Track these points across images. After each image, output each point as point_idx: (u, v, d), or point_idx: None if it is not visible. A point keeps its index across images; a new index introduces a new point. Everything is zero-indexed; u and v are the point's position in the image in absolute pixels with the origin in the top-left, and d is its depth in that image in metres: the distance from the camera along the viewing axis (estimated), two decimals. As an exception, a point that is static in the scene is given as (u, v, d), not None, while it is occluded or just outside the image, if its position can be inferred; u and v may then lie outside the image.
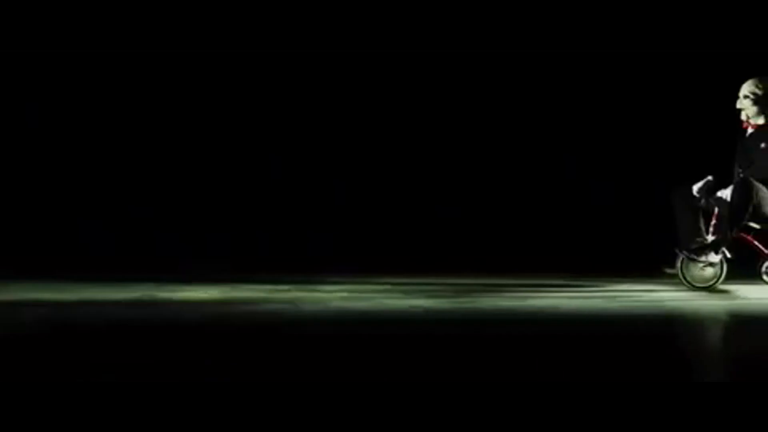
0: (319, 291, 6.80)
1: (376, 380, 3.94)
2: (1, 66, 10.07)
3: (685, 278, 6.75)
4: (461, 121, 10.09)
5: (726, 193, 6.74)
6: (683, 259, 6.72)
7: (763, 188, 6.68)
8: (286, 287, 6.94)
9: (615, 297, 6.63)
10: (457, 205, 9.82)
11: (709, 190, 6.71)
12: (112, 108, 10.20)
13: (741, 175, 6.79)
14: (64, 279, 7.42)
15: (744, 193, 6.60)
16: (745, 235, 6.77)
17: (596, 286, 7.01)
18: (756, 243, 6.78)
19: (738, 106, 6.88)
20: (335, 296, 6.53)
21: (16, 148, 10.15)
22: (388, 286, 7.03)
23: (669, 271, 6.78)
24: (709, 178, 6.75)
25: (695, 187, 6.76)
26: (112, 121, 10.21)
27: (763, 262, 6.86)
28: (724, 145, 7.15)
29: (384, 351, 4.68)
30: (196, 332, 5.21)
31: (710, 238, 6.70)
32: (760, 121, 6.86)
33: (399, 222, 9.81)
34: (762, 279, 6.92)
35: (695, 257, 6.67)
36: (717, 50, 9.60)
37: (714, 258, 6.67)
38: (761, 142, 6.80)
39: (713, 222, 6.73)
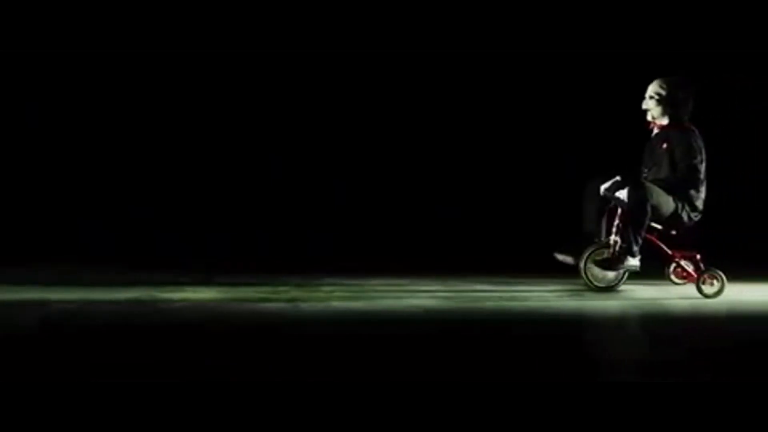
0: (319, 291, 6.80)
1: (376, 380, 3.94)
2: (1, 66, 10.08)
3: (587, 278, 6.75)
4: (461, 121, 10.10)
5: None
6: (585, 259, 6.71)
7: (659, 189, 6.68)
8: (286, 287, 6.94)
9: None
10: (457, 205, 9.83)
11: (617, 190, 6.70)
12: (112, 108, 10.20)
13: (644, 176, 6.81)
14: (64, 279, 7.42)
15: (638, 196, 6.59)
16: (649, 236, 6.76)
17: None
18: (659, 243, 6.77)
19: (644, 106, 6.90)
20: (335, 296, 6.53)
21: (16, 148, 10.16)
22: (388, 286, 7.03)
23: (561, 258, 6.77)
24: (618, 178, 6.74)
25: (603, 187, 6.75)
26: (112, 121, 10.22)
27: (670, 264, 6.86)
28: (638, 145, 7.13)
29: (384, 351, 4.68)
30: (196, 332, 5.21)
31: (612, 237, 6.68)
32: (665, 121, 6.88)
33: (399, 222, 9.81)
34: (670, 280, 6.92)
35: (614, 268, 6.65)
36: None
37: (634, 262, 6.64)
38: (663, 143, 6.82)
39: (616, 222, 6.72)
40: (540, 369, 4.26)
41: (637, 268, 6.67)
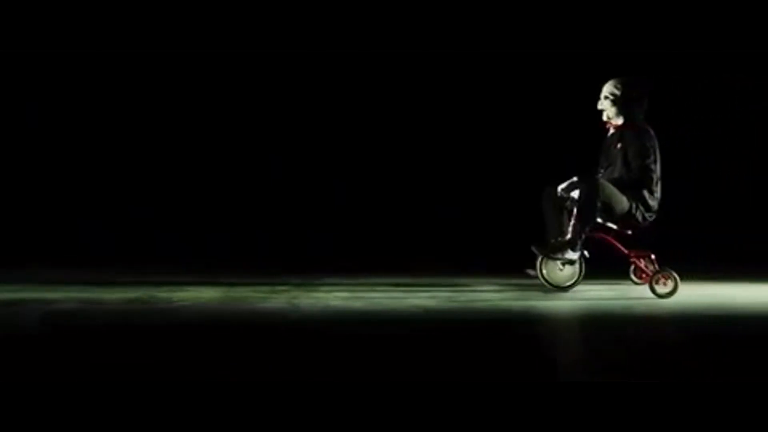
0: (319, 291, 6.80)
1: (376, 380, 3.94)
2: (1, 66, 10.08)
3: (544, 278, 6.76)
4: (461, 121, 10.10)
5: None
6: (542, 258, 6.73)
7: (613, 188, 6.67)
8: (286, 287, 6.94)
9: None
10: (457, 205, 9.83)
11: (573, 191, 6.70)
12: (111, 108, 10.21)
13: (600, 176, 6.81)
14: (64, 279, 7.42)
15: (590, 193, 6.59)
16: (604, 236, 6.76)
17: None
18: (616, 243, 6.77)
19: (599, 106, 6.89)
20: (335, 296, 6.53)
21: (16, 148, 10.16)
22: (388, 286, 7.03)
23: (530, 272, 6.79)
24: (575, 179, 6.74)
25: (560, 187, 6.76)
26: (112, 122, 10.23)
27: (631, 265, 6.84)
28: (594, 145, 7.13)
29: (384, 351, 4.68)
30: (196, 332, 5.21)
31: (569, 237, 6.70)
32: (619, 121, 6.87)
33: (399, 222, 9.81)
34: (631, 280, 6.90)
35: (552, 256, 6.68)
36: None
37: (572, 255, 6.66)
38: (617, 143, 6.82)
39: (572, 221, 6.73)
40: (539, 369, 4.26)
41: (575, 262, 6.69)
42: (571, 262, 6.72)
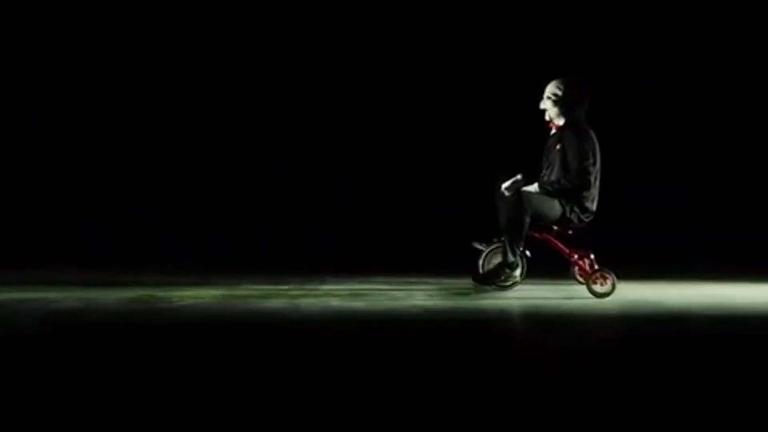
0: (319, 291, 6.80)
1: (376, 379, 3.94)
2: (1, 66, 10.08)
3: (474, 276, 6.78)
4: (461, 122, 10.09)
5: (532, 188, 6.73)
6: (485, 256, 6.73)
7: (540, 196, 6.64)
8: (286, 287, 6.94)
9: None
10: (457, 205, 9.83)
11: (516, 189, 6.69)
12: (111, 108, 10.20)
13: (542, 177, 6.78)
14: (64, 279, 7.42)
15: (515, 208, 6.58)
16: (546, 236, 6.76)
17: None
18: (557, 243, 6.76)
19: (541, 106, 6.88)
20: (335, 296, 6.53)
21: (16, 148, 10.16)
22: (388, 286, 7.03)
23: (477, 246, 6.79)
24: (518, 176, 6.73)
25: (504, 185, 6.76)
26: (112, 122, 10.22)
27: (572, 265, 6.83)
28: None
29: (384, 351, 4.68)
30: (196, 332, 5.21)
31: (502, 259, 6.68)
32: (561, 121, 6.85)
33: (399, 222, 9.81)
34: (575, 279, 6.89)
35: (497, 283, 6.67)
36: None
37: (510, 275, 6.65)
38: (557, 143, 6.82)
39: (502, 239, 6.71)
40: (540, 368, 4.26)
41: (517, 278, 6.68)
42: (515, 280, 6.68)
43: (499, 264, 6.69)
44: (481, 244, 6.83)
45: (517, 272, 6.69)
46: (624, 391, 3.78)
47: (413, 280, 7.33)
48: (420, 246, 9.44)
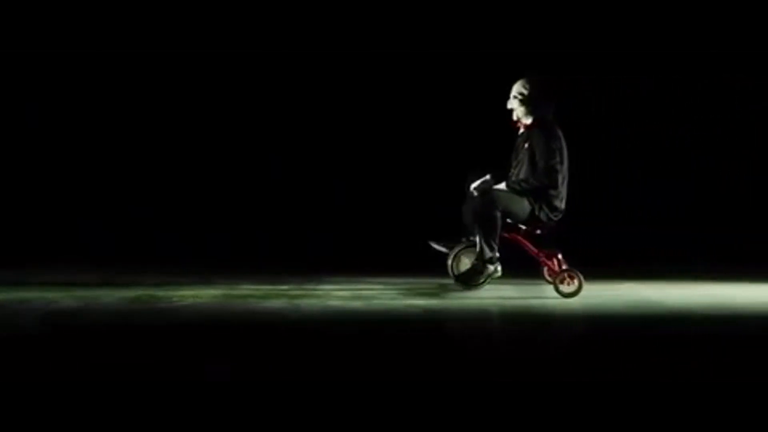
0: (319, 291, 6.80)
1: (376, 380, 3.94)
2: (1, 66, 10.08)
3: (455, 276, 6.77)
4: (461, 122, 10.09)
5: (501, 187, 6.72)
6: (454, 257, 6.73)
7: (510, 194, 6.64)
8: (286, 287, 6.94)
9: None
10: (458, 206, 9.83)
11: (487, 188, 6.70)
12: (111, 108, 10.20)
13: (510, 176, 6.79)
14: (64, 279, 7.42)
15: (486, 207, 6.59)
16: (515, 236, 6.76)
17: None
18: (525, 242, 6.76)
19: (509, 106, 6.89)
20: (335, 296, 6.54)
21: (16, 148, 10.16)
22: (388, 286, 7.03)
23: (436, 246, 6.78)
24: (487, 177, 6.73)
25: (472, 186, 6.76)
26: (112, 121, 10.22)
27: (541, 265, 6.81)
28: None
29: (384, 351, 4.68)
30: (196, 332, 5.21)
31: (481, 257, 6.67)
32: (528, 121, 6.86)
33: (399, 222, 9.81)
34: (545, 279, 6.87)
35: (475, 282, 6.67)
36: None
37: (491, 269, 6.64)
38: (525, 142, 6.82)
39: (477, 238, 6.70)
40: (539, 369, 4.26)
41: (498, 273, 6.68)
42: (493, 275, 6.68)
43: (476, 261, 6.66)
44: (440, 245, 6.79)
45: (499, 267, 6.66)
46: (624, 391, 3.78)
47: (413, 280, 7.33)
48: (419, 246, 9.44)
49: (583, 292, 6.63)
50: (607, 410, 3.53)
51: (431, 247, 6.81)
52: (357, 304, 6.17)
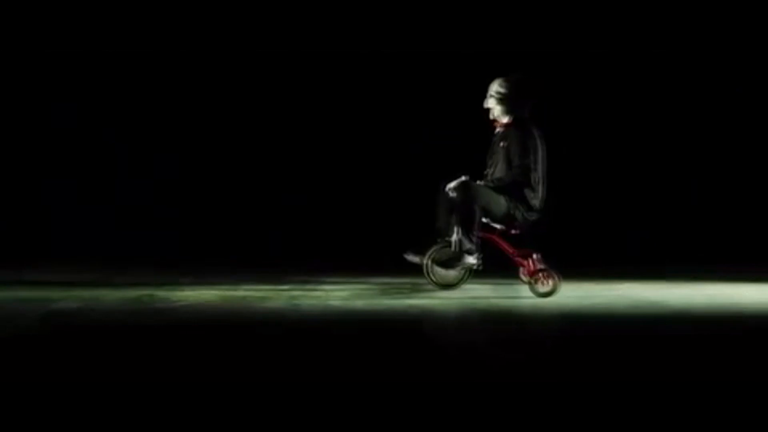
0: (319, 291, 6.80)
1: (376, 379, 3.94)
2: (1, 66, 10.08)
3: (430, 277, 6.77)
4: (461, 122, 10.09)
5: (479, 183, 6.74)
6: (430, 256, 6.73)
7: (488, 190, 6.66)
8: (286, 287, 6.94)
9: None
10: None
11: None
12: (111, 108, 10.21)
13: (486, 175, 6.81)
14: (64, 279, 7.42)
15: (465, 200, 6.60)
16: (490, 236, 6.76)
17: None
18: (502, 243, 6.76)
19: (486, 105, 6.89)
20: (335, 296, 6.54)
21: (15, 147, 10.16)
22: (388, 286, 7.03)
23: (409, 258, 6.78)
24: (463, 177, 6.73)
25: (448, 187, 6.76)
26: (112, 121, 10.22)
27: (519, 268, 6.80)
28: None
29: (384, 351, 4.68)
30: (196, 332, 5.21)
31: (453, 237, 6.65)
32: (506, 120, 6.86)
33: (399, 222, 9.81)
34: (521, 279, 6.87)
35: (452, 267, 6.68)
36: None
37: (472, 260, 6.64)
38: (501, 142, 6.82)
39: (456, 230, 6.70)
40: (541, 369, 4.26)
41: (475, 266, 6.68)
42: (472, 266, 6.69)
43: (458, 250, 6.63)
44: (415, 256, 6.78)
45: (480, 261, 6.66)
46: (624, 391, 3.78)
47: (413, 280, 7.33)
48: (420, 246, 9.43)
49: (583, 293, 6.63)
50: (607, 410, 3.53)
51: (408, 260, 6.79)
52: (357, 304, 6.17)
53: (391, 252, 6.75)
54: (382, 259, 7.52)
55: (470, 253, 6.63)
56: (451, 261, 6.68)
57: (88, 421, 3.35)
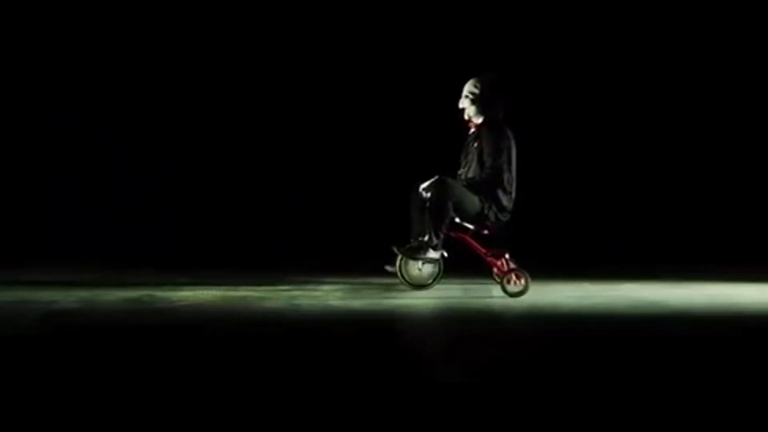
0: (319, 291, 6.80)
1: (376, 379, 3.94)
2: (2, 66, 10.08)
3: (403, 277, 6.76)
4: (461, 122, 10.09)
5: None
6: (402, 258, 6.73)
7: (463, 188, 6.67)
8: (285, 287, 6.95)
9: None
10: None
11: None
12: (111, 108, 10.20)
13: (460, 175, 6.83)
14: (64, 279, 7.42)
15: (439, 195, 6.60)
16: (462, 236, 6.76)
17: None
18: (473, 243, 6.76)
19: (460, 105, 6.89)
20: (335, 296, 6.54)
21: (15, 147, 10.16)
22: (388, 286, 7.03)
23: (390, 269, 6.78)
24: (436, 177, 6.72)
25: (422, 187, 6.76)
26: (112, 121, 10.22)
27: (488, 265, 6.79)
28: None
29: (384, 351, 4.68)
30: (196, 332, 5.21)
31: (426, 238, 6.68)
32: (479, 120, 6.87)
33: (398, 222, 9.81)
34: (493, 279, 6.86)
35: (414, 256, 6.68)
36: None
37: (433, 255, 6.65)
38: (475, 142, 6.83)
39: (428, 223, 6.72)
40: (541, 369, 4.26)
41: (437, 261, 6.68)
42: (432, 261, 6.69)
43: (424, 242, 6.65)
44: (393, 267, 6.78)
45: (443, 258, 6.66)
46: (624, 391, 3.78)
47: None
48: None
49: (583, 292, 6.63)
50: (607, 410, 3.53)
51: (387, 271, 6.80)
52: (357, 304, 6.17)
53: (391, 252, 6.74)
54: (381, 260, 7.49)
55: (435, 249, 6.64)
56: (413, 251, 6.68)
57: (88, 421, 3.35)
